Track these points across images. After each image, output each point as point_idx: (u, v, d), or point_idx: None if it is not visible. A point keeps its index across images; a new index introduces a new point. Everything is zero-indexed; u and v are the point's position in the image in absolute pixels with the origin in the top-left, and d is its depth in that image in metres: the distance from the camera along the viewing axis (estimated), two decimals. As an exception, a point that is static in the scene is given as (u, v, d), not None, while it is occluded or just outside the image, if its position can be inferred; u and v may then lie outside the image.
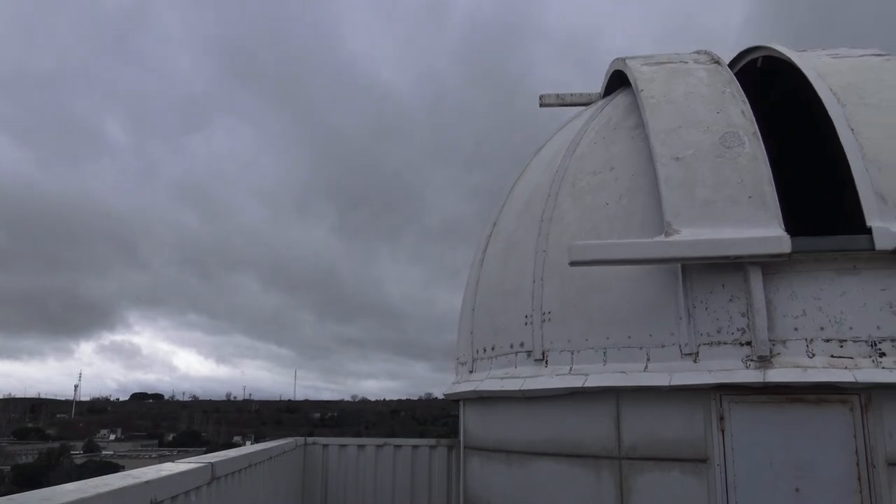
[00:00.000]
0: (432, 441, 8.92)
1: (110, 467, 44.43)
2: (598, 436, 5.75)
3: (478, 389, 7.16)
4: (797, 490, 4.97)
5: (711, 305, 5.51)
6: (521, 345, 6.79)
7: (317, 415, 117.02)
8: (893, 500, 4.76)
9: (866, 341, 5.14)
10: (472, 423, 7.60)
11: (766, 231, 5.34)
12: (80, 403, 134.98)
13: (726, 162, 5.78)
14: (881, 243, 5.08)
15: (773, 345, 5.28)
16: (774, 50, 7.18)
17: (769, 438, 5.12)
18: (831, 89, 6.01)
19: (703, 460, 5.23)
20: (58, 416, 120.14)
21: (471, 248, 8.81)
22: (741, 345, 5.35)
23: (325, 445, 8.95)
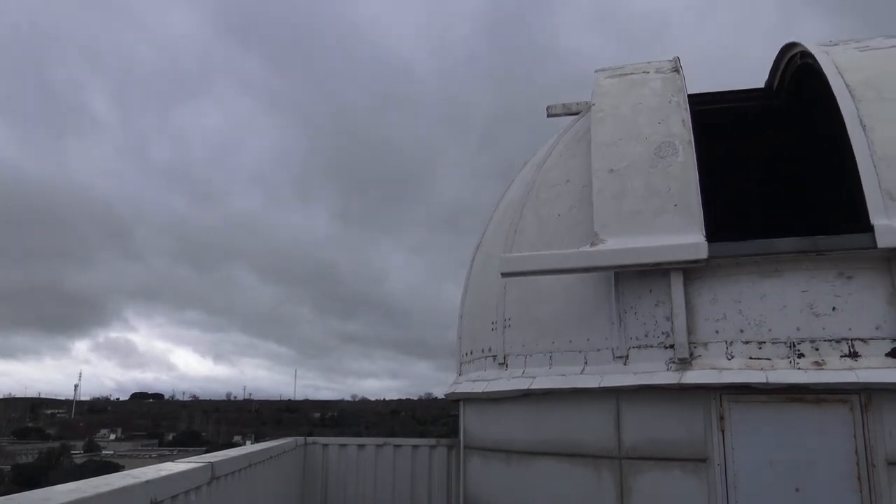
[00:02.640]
0: (432, 441, 8.91)
1: (110, 467, 44.43)
2: (599, 436, 5.75)
3: (456, 391, 7.72)
4: (797, 490, 4.97)
5: (640, 310, 5.76)
6: (490, 349, 7.26)
7: (317, 415, 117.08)
8: (893, 500, 4.75)
9: (785, 343, 5.25)
10: (471, 422, 7.61)
11: (688, 238, 5.50)
12: (81, 403, 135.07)
13: (658, 172, 6.01)
14: (883, 241, 5.04)
15: (695, 347, 5.47)
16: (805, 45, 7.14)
17: (769, 438, 5.11)
18: (848, 85, 5.94)
19: (703, 460, 5.23)
20: (58, 415, 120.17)
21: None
22: (665, 347, 5.57)
23: (325, 445, 8.95)
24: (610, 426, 5.70)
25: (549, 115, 9.55)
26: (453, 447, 8.51)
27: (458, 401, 8.15)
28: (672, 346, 5.50)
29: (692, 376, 5.31)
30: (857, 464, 4.86)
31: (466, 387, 7.40)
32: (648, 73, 7.22)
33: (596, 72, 7.72)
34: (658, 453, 5.44)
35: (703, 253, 5.39)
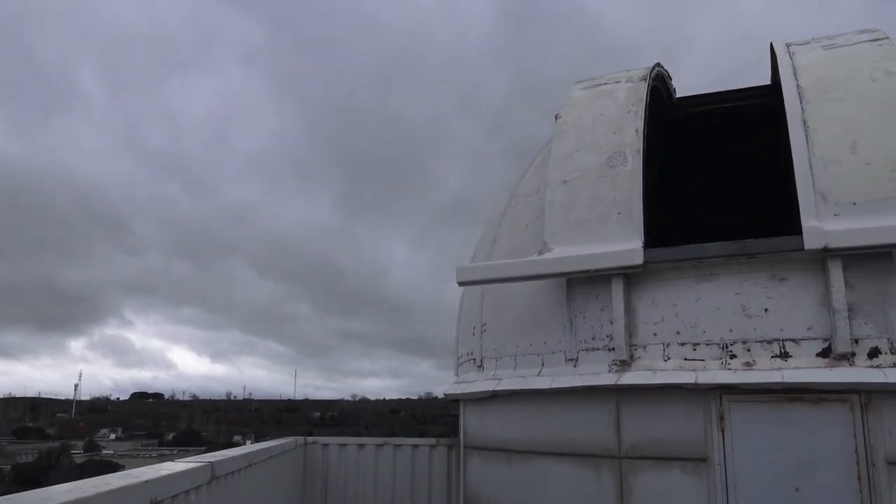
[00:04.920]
0: (432, 440, 8.90)
1: (110, 467, 44.46)
2: (599, 435, 5.75)
3: (448, 393, 8.03)
4: (797, 490, 4.96)
5: (588, 315, 6.01)
6: (471, 353, 7.63)
7: (317, 414, 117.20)
8: (893, 500, 4.75)
9: (718, 344, 5.39)
10: (471, 422, 7.62)
11: (627, 245, 5.69)
12: (81, 403, 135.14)
13: (606, 181, 6.21)
14: (810, 243, 5.08)
15: (635, 349, 5.70)
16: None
17: (769, 438, 5.11)
18: (800, 86, 6.00)
19: (703, 460, 5.23)
20: (58, 415, 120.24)
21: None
22: (609, 350, 5.80)
23: (325, 445, 8.94)
24: (609, 426, 5.70)
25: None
26: (453, 447, 8.51)
27: (457, 401, 8.19)
28: (614, 349, 5.73)
29: (629, 377, 5.52)
30: (857, 464, 4.86)
31: (454, 388, 7.77)
32: (620, 82, 7.32)
33: (575, 83, 7.85)
34: (658, 453, 5.44)
35: (638, 259, 5.59)
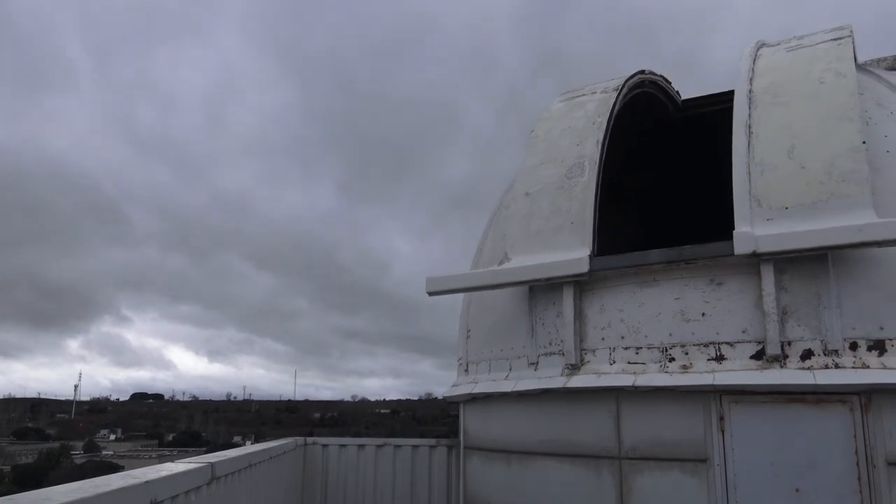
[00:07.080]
0: (432, 441, 8.90)
1: (110, 467, 44.45)
2: (599, 436, 5.76)
3: (444, 395, 8.34)
4: (797, 490, 4.96)
5: (546, 321, 6.26)
6: (462, 358, 7.99)
7: (317, 415, 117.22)
8: (893, 500, 4.74)
9: (658, 348, 5.55)
10: (471, 422, 7.62)
11: (576, 253, 5.89)
12: (80, 403, 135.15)
13: (563, 192, 6.42)
14: (739, 248, 5.11)
15: (585, 354, 5.95)
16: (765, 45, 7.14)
17: (769, 438, 5.11)
18: (752, 90, 6.04)
19: (703, 460, 5.23)
20: (58, 416, 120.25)
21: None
22: (562, 354, 6.04)
23: (325, 445, 8.94)
24: (610, 426, 5.70)
25: None
26: (453, 447, 8.51)
27: (457, 402, 8.21)
28: (565, 354, 5.96)
29: (576, 381, 5.76)
30: (857, 464, 4.86)
31: (450, 391, 8.00)
32: (595, 93, 7.41)
33: (558, 95, 7.94)
34: (658, 453, 5.44)
35: (584, 267, 5.81)
